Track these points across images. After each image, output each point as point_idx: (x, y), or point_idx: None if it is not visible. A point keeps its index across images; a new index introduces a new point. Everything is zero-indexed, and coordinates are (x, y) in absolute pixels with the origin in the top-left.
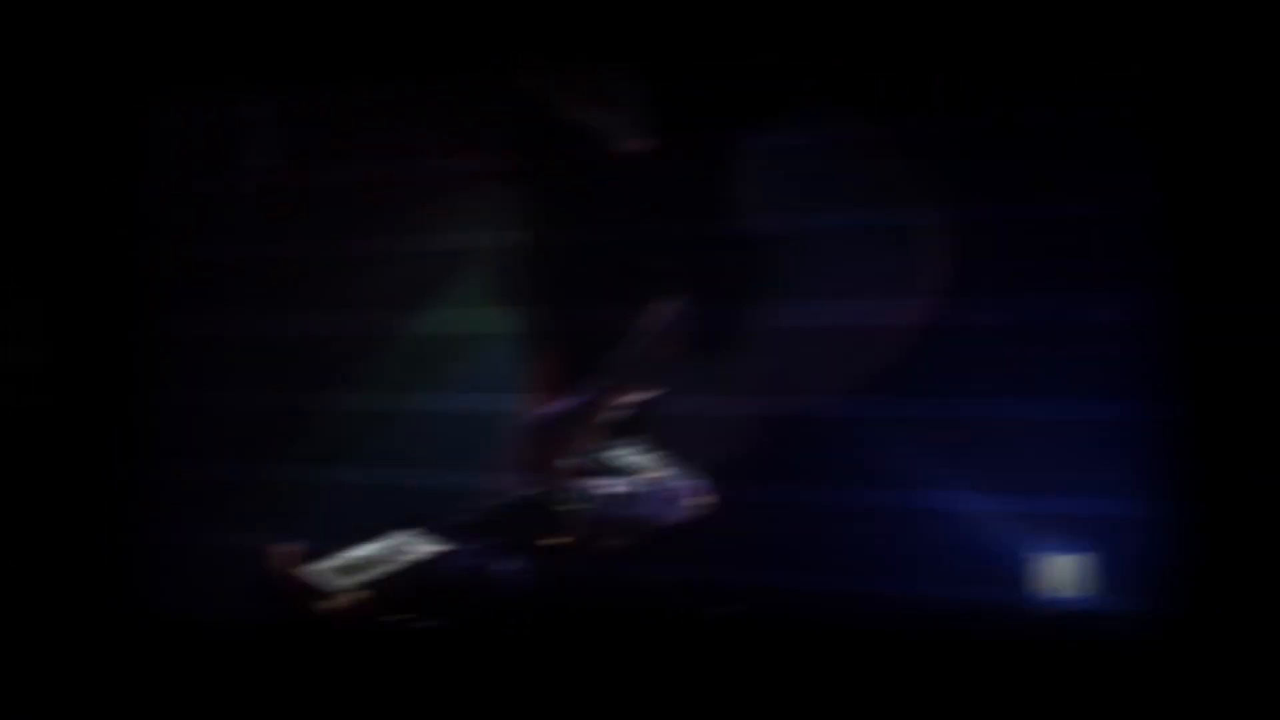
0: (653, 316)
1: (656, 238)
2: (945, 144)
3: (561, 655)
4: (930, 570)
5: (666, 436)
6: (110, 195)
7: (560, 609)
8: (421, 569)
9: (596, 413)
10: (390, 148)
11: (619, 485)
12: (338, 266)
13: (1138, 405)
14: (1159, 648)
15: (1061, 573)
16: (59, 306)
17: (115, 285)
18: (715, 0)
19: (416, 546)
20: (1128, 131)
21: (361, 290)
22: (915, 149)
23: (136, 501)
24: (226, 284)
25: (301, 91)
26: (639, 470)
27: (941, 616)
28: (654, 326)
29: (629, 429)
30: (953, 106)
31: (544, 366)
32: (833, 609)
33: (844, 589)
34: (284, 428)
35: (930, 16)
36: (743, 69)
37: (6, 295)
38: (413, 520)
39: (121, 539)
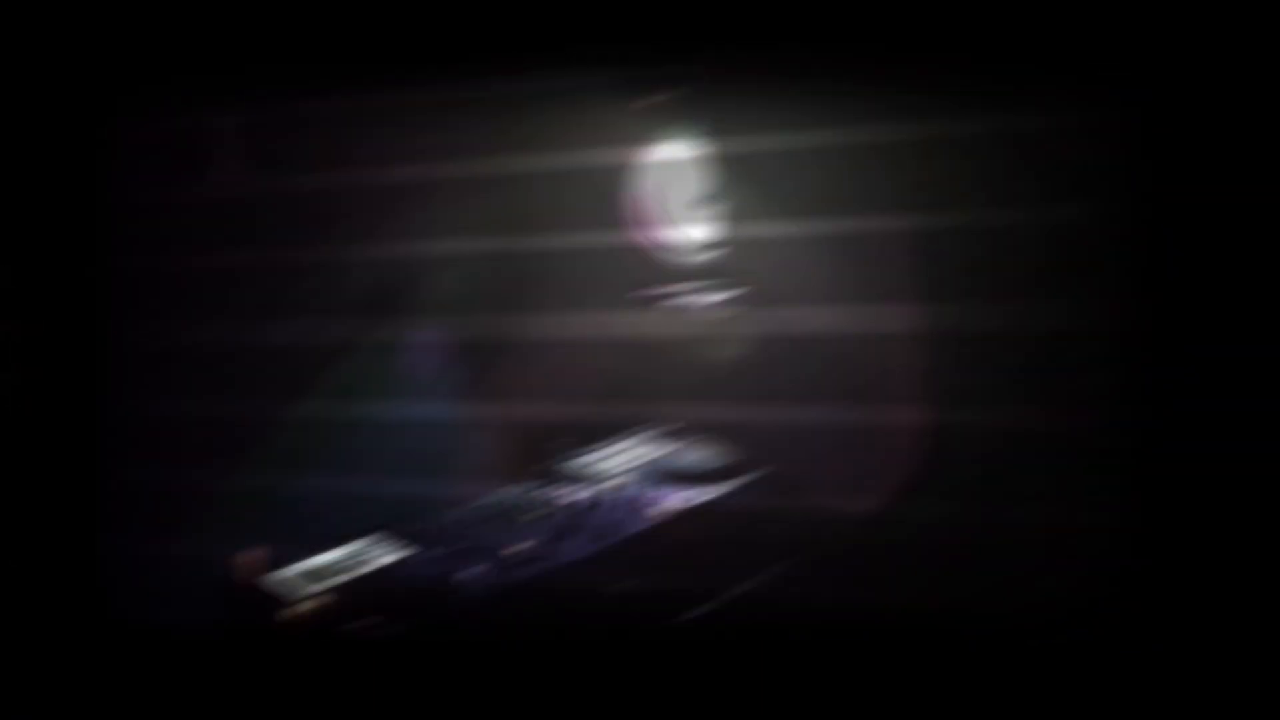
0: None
1: (634, 245)
2: (931, 148)
3: (526, 663)
4: (900, 577)
5: (637, 443)
6: (79, 204)
7: (525, 616)
8: (386, 576)
9: (564, 420)
10: (360, 155)
11: (585, 493)
12: (305, 274)
13: (1106, 413)
14: (1128, 653)
15: (1023, 579)
16: (25, 315)
17: (83, 294)
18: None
19: (381, 553)
20: (1114, 135)
21: (329, 298)
22: (901, 153)
23: (102, 509)
24: (194, 292)
25: (271, 100)
26: (606, 478)
27: (912, 623)
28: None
29: (596, 436)
30: (940, 109)
31: (511, 373)
32: (805, 616)
33: (815, 596)
34: (250, 435)
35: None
36: (736, 71)
37: None
38: (377, 527)
39: (86, 547)
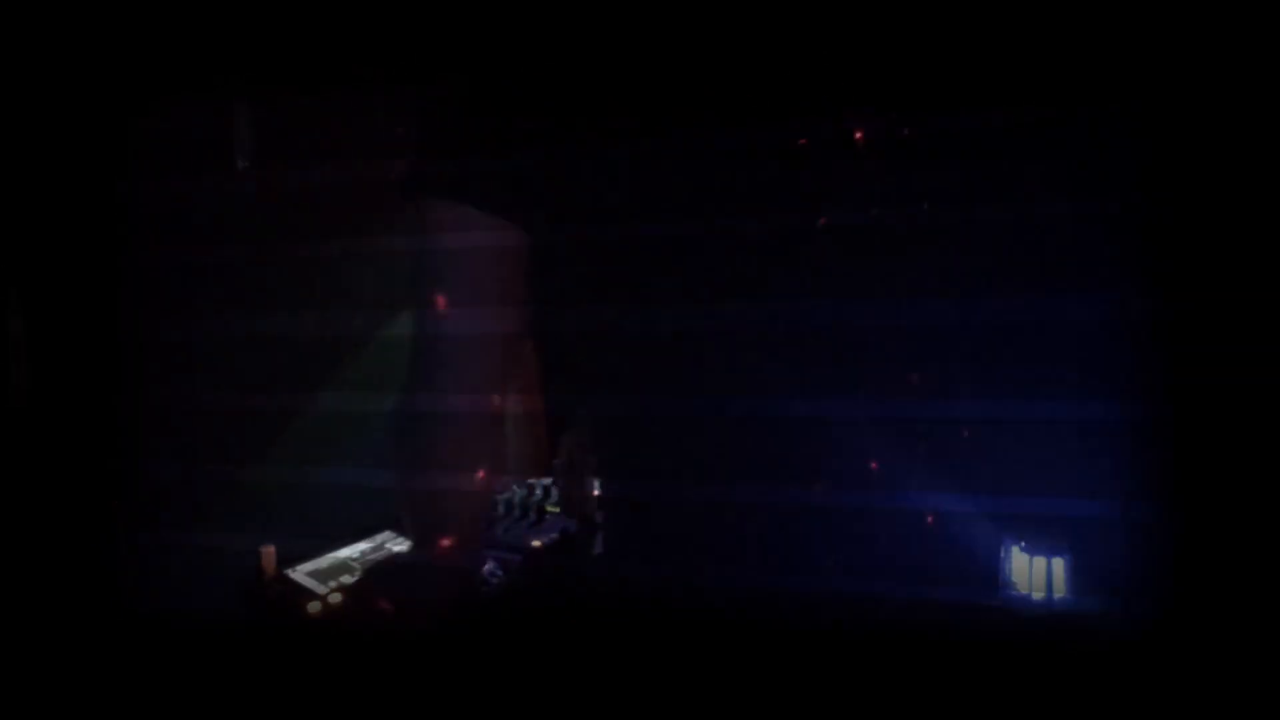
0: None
1: (633, 238)
2: (926, 144)
3: (546, 654)
4: (904, 570)
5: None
6: (96, 197)
7: (545, 608)
8: (407, 570)
9: (579, 414)
10: (374, 149)
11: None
12: (321, 267)
13: (1115, 405)
14: (1136, 649)
15: (1038, 573)
16: (43, 307)
17: (100, 286)
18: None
19: (400, 547)
20: (1112, 132)
21: (346, 291)
22: (897, 149)
23: (119, 502)
24: (211, 285)
25: (286, 94)
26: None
27: (915, 617)
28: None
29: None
30: (937, 106)
31: (526, 367)
32: (806, 610)
33: (818, 590)
34: (268, 428)
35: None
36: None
37: None
38: (396, 521)
39: (103, 540)
